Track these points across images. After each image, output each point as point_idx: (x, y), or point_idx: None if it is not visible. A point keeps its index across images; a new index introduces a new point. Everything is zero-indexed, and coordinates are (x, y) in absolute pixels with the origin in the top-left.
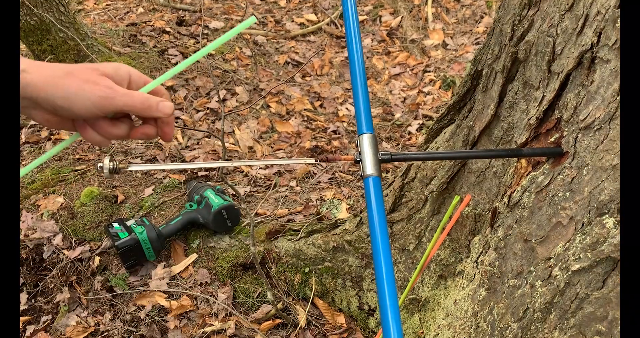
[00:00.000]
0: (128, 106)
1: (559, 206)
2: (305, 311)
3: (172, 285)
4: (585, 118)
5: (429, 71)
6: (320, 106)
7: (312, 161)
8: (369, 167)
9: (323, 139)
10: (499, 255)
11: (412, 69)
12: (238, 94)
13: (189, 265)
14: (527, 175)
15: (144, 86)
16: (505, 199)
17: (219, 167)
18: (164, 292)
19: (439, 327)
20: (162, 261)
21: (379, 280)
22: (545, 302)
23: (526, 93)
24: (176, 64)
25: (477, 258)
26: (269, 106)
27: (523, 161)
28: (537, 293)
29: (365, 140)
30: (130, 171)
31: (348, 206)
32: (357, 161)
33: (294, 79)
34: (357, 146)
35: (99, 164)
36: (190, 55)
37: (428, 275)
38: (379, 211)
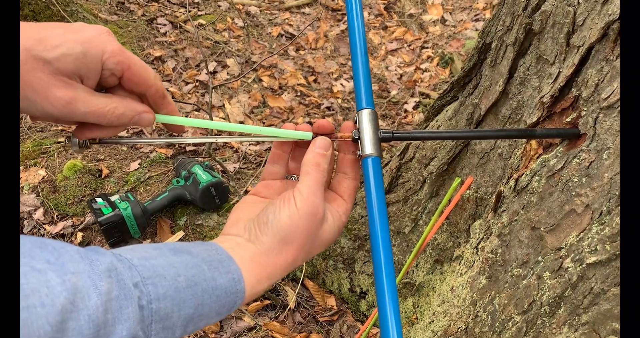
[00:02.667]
0: (92, 119)
1: (574, 193)
2: (294, 292)
3: None
4: (608, 97)
5: (427, 47)
6: (314, 81)
7: (309, 136)
8: (369, 146)
9: (316, 115)
10: (503, 242)
11: (410, 45)
12: (229, 67)
13: None
14: (537, 158)
15: (125, 69)
16: (512, 183)
17: (207, 143)
18: None
19: (434, 314)
20: (147, 238)
21: (378, 279)
22: (554, 295)
23: (539, 68)
24: (165, 34)
25: (478, 244)
26: (260, 80)
27: (533, 142)
28: (545, 286)
29: (365, 116)
30: (105, 144)
31: None
32: (356, 139)
33: (287, 52)
34: (355, 123)
35: (67, 137)
36: (180, 24)
37: (423, 259)
38: (378, 195)
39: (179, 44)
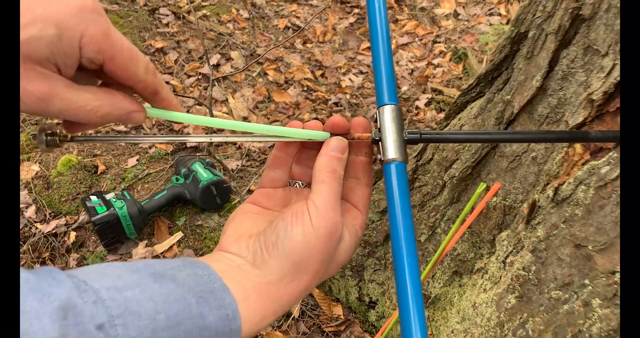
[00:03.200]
0: (71, 117)
1: None
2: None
3: None
4: None
5: (439, 42)
6: (322, 75)
7: (325, 137)
8: (392, 149)
9: (324, 111)
10: (537, 259)
11: (421, 39)
12: (233, 60)
13: (174, 244)
14: (582, 164)
15: (107, 60)
16: (550, 191)
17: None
18: None
19: (452, 332)
20: (144, 239)
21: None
22: (608, 328)
23: (587, 61)
24: (167, 24)
25: (505, 258)
26: (266, 74)
27: (578, 146)
28: (594, 315)
29: (387, 114)
30: (81, 142)
31: None
32: (376, 141)
33: (294, 45)
34: (375, 121)
35: (32, 135)
36: (183, 15)
37: (440, 270)
38: (404, 210)
39: (181, 36)
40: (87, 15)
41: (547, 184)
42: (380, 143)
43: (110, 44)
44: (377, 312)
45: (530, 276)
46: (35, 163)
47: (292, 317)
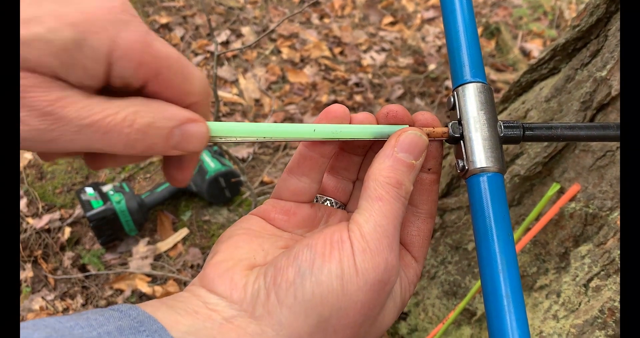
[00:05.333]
0: (96, 139)
1: None
2: None
3: (157, 266)
4: None
5: None
6: (341, 53)
7: (388, 133)
8: (481, 153)
9: (343, 93)
10: None
11: None
12: (244, 36)
13: (178, 242)
14: None
15: (152, 77)
16: None
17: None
18: (147, 275)
19: None
20: (145, 236)
21: None
22: None
23: None
24: None
25: (588, 281)
26: (279, 52)
27: None
28: None
29: (472, 96)
30: None
31: None
32: (456, 139)
33: (310, 20)
34: (452, 108)
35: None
36: None
37: None
38: (506, 257)
39: (188, 10)
40: (118, 17)
41: None
42: (462, 142)
43: (152, 55)
44: (410, 325)
45: None
46: (27, 151)
47: None
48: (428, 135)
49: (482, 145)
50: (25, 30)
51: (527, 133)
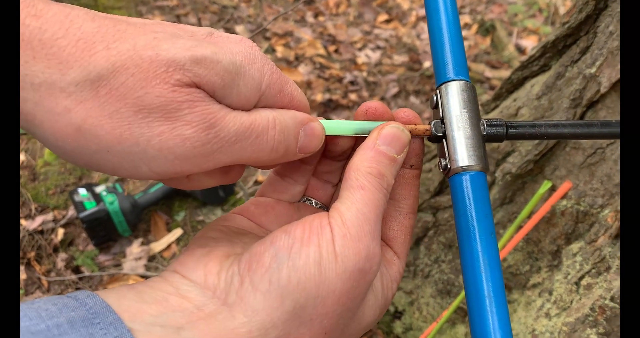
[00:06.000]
0: (247, 144)
1: None
2: None
3: (151, 267)
4: None
5: (464, 13)
6: (336, 51)
7: (368, 130)
8: (464, 151)
9: (338, 91)
10: None
11: None
12: (238, 35)
13: (172, 242)
14: None
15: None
16: None
17: None
18: (141, 276)
19: None
20: (139, 236)
21: None
22: None
23: None
24: None
25: (580, 279)
26: (274, 50)
27: None
28: None
29: (455, 94)
30: None
31: None
32: (438, 138)
33: (304, 18)
34: (435, 107)
35: None
36: None
37: None
38: (488, 254)
39: (181, 9)
40: (260, 53)
41: None
42: (444, 141)
43: (285, 82)
44: (404, 323)
45: None
46: (20, 151)
47: None
48: (410, 132)
49: (465, 144)
50: (193, 52)
51: (510, 131)
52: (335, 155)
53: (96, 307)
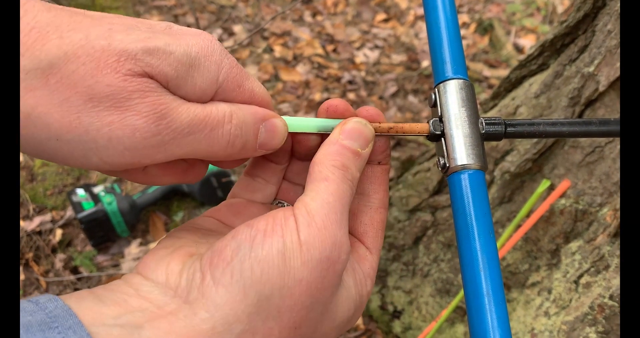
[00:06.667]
0: (200, 138)
1: None
2: None
3: None
4: None
5: (462, 12)
6: (334, 50)
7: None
8: (462, 150)
9: (336, 90)
10: None
11: None
12: (236, 35)
13: None
14: None
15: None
16: None
17: None
18: None
19: None
20: (137, 237)
21: None
22: None
23: None
24: None
25: (579, 278)
26: (272, 50)
27: None
28: None
29: (454, 93)
30: None
31: None
32: (436, 136)
33: (302, 18)
34: (433, 105)
35: None
36: None
37: None
38: (487, 253)
39: (179, 9)
40: (220, 47)
41: None
42: (443, 139)
43: (244, 90)
44: (403, 323)
45: None
46: None
47: None
48: (375, 130)
49: (463, 142)
50: (146, 43)
51: (509, 129)
52: (302, 155)
53: (56, 311)
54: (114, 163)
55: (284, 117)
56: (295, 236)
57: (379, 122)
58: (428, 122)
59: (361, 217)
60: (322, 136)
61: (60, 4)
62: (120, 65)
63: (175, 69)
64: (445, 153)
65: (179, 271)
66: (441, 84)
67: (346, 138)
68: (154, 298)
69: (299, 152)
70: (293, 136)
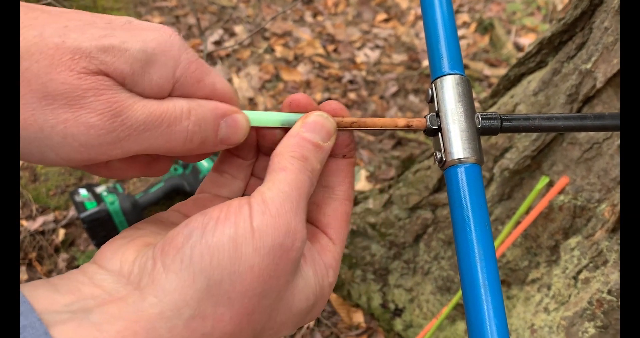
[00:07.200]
0: (157, 134)
1: None
2: None
3: None
4: None
5: (462, 12)
6: (334, 51)
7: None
8: (459, 144)
9: (337, 90)
10: None
11: None
12: (237, 35)
13: None
14: None
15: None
16: None
17: None
18: None
19: None
20: None
21: None
22: None
23: None
24: None
25: (577, 273)
26: (273, 50)
27: None
28: None
29: (450, 88)
30: None
31: (368, 174)
32: (433, 131)
33: (303, 18)
34: (430, 101)
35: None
36: None
37: None
38: (483, 246)
39: (180, 10)
40: (180, 42)
41: None
42: (440, 134)
43: (206, 73)
44: (405, 321)
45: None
46: None
47: (306, 325)
48: (338, 124)
49: (460, 136)
50: (101, 41)
51: (504, 123)
52: (268, 150)
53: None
54: (71, 159)
55: (246, 111)
56: (247, 223)
57: (342, 117)
58: (425, 117)
59: (324, 208)
60: (286, 130)
61: (62, 5)
62: (74, 63)
63: (131, 66)
64: (442, 147)
65: (132, 260)
66: (438, 80)
67: (307, 130)
68: (106, 286)
69: (264, 147)
70: (258, 130)
